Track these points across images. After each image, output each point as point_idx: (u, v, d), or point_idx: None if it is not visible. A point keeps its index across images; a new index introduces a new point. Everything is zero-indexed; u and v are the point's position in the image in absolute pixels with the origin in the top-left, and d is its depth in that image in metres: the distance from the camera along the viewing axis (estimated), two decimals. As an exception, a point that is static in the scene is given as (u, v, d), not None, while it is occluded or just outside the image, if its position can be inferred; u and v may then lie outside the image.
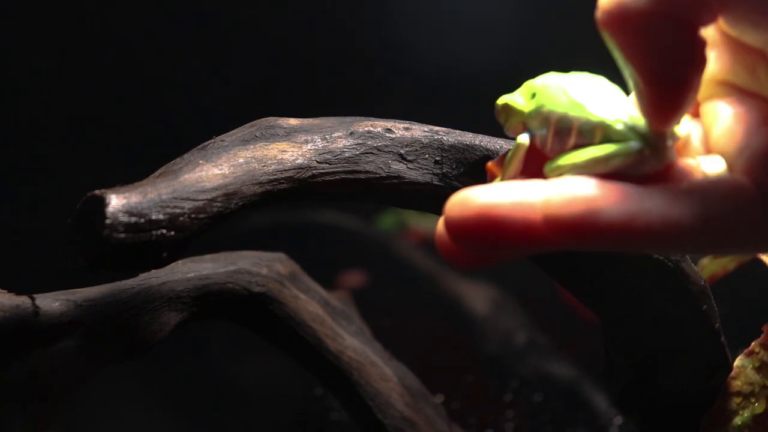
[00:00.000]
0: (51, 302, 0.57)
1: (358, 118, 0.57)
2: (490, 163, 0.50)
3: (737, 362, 0.59)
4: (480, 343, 1.07)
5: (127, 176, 0.50)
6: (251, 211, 0.52)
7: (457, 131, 0.56)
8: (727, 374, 0.59)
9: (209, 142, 0.54)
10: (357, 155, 0.54)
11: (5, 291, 0.56)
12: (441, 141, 0.55)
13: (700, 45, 0.37)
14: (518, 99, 0.49)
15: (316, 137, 0.55)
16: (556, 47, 1.07)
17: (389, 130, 0.56)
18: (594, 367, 0.95)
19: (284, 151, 0.53)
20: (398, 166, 0.55)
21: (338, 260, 1.15)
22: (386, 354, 0.70)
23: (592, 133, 0.42)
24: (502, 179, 0.47)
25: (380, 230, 1.20)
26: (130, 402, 0.87)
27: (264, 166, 0.52)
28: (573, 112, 0.44)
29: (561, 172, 0.42)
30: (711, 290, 0.57)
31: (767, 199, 0.36)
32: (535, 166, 0.45)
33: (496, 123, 0.52)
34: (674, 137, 0.41)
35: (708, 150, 0.42)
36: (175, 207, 0.48)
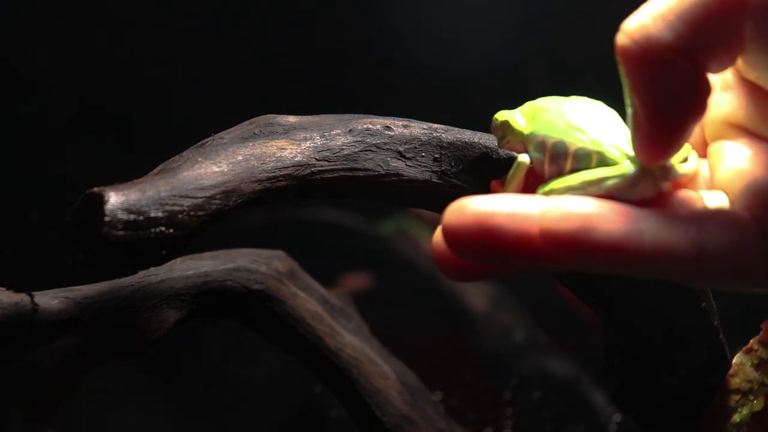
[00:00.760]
0: (50, 300, 0.57)
1: (356, 115, 0.57)
2: (494, 182, 0.50)
3: (736, 359, 0.59)
4: (479, 340, 1.07)
5: (126, 174, 0.50)
6: (250, 209, 0.53)
7: (456, 129, 0.56)
8: (726, 371, 0.59)
9: (208, 139, 0.54)
10: (356, 153, 0.54)
11: (4, 288, 0.56)
12: (440, 138, 0.55)
13: (705, 92, 0.37)
14: (519, 119, 0.49)
15: (314, 135, 0.55)
16: (554, 47, 1.07)
17: (388, 128, 0.56)
18: (593, 364, 0.95)
19: (283, 148, 0.53)
20: (397, 164, 0.55)
21: (337, 258, 1.15)
22: (385, 351, 0.70)
23: (588, 158, 0.43)
24: None
25: (379, 228, 1.20)
26: (129, 399, 0.87)
27: (263, 163, 0.52)
28: (569, 138, 0.44)
29: (555, 194, 0.42)
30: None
31: (767, 236, 0.36)
32: (535, 186, 0.45)
33: (494, 121, 0.52)
34: (671, 166, 0.41)
35: (712, 188, 0.42)
36: (174, 204, 0.48)
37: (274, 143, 0.54)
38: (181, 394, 0.92)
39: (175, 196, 0.48)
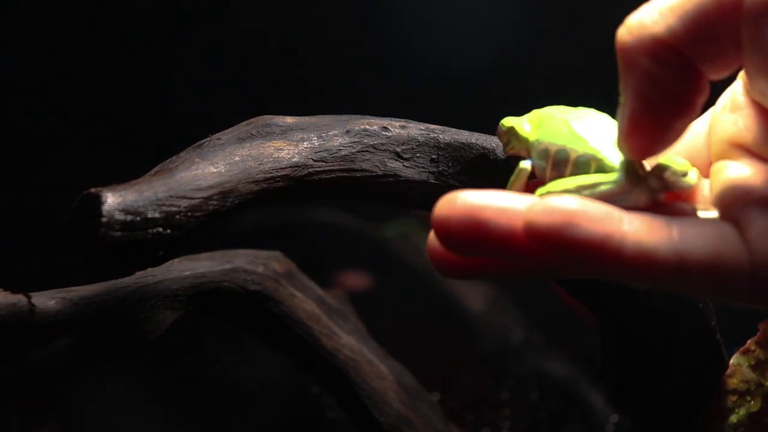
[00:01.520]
0: (47, 301, 0.57)
1: (354, 116, 0.57)
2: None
3: (733, 360, 0.59)
4: (476, 341, 1.07)
5: (123, 174, 0.50)
6: (247, 210, 0.52)
7: (454, 129, 0.56)
8: (723, 372, 0.59)
9: (205, 140, 0.54)
10: (353, 153, 0.54)
11: (1, 289, 0.56)
12: (437, 139, 0.55)
13: (696, 92, 0.38)
14: (525, 125, 0.50)
15: (312, 135, 0.55)
16: (554, 47, 1.07)
17: (385, 129, 0.56)
18: (590, 365, 0.95)
19: (280, 149, 0.53)
20: (394, 165, 0.55)
21: (334, 259, 1.15)
22: (382, 352, 0.70)
23: (587, 164, 0.43)
24: None
25: (377, 229, 1.20)
26: (126, 400, 0.87)
27: (260, 164, 0.52)
28: (571, 145, 0.45)
29: (550, 195, 0.42)
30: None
31: (752, 253, 0.35)
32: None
33: (492, 122, 0.53)
34: (667, 177, 0.41)
35: (709, 205, 0.42)
36: (171, 205, 0.48)
37: (271, 144, 0.54)
38: (177, 394, 0.92)
39: (172, 196, 0.48)
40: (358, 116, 0.57)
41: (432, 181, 0.55)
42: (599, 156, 0.43)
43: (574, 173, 0.44)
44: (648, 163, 0.42)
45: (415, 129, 0.56)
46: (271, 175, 0.52)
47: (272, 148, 0.53)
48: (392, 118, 0.57)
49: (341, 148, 0.54)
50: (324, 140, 0.54)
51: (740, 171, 0.40)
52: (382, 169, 0.54)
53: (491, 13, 1.10)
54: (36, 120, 1.05)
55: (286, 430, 0.93)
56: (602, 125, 0.45)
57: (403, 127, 0.56)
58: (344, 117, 0.57)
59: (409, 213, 1.17)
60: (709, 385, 0.59)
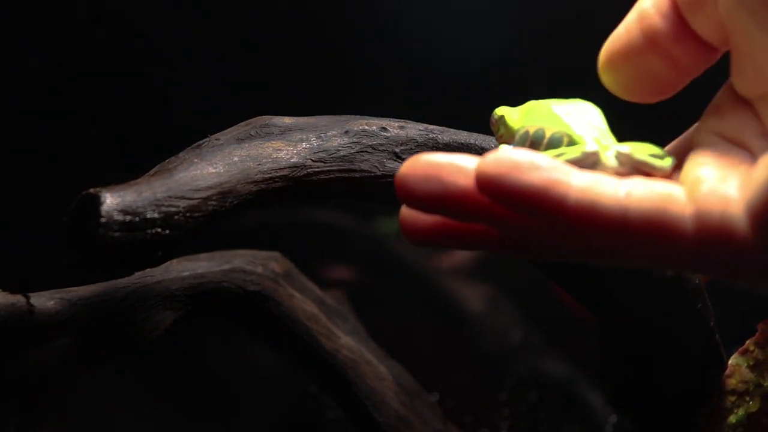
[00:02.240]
0: (46, 301, 0.57)
1: (352, 116, 0.57)
2: None
3: (732, 360, 0.59)
4: (475, 341, 1.07)
5: (122, 175, 0.50)
6: (246, 210, 0.53)
7: (452, 130, 0.56)
8: (722, 372, 0.59)
9: (204, 140, 0.54)
10: (352, 154, 0.54)
11: (0, 290, 0.56)
12: (436, 139, 0.55)
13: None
14: (514, 115, 0.50)
15: (311, 136, 0.55)
16: (552, 47, 1.07)
17: (384, 129, 0.56)
18: (589, 365, 0.95)
19: (279, 149, 0.53)
20: (393, 165, 0.55)
21: (333, 259, 1.15)
22: (381, 352, 0.70)
23: (560, 141, 0.44)
24: None
25: (376, 229, 1.20)
26: (125, 401, 0.87)
27: (259, 164, 0.52)
28: (547, 124, 0.45)
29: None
30: (705, 288, 0.57)
31: (698, 211, 0.35)
32: None
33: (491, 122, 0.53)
34: (635, 152, 0.41)
35: None
36: (170, 205, 0.48)
37: (270, 144, 0.54)
38: (177, 394, 0.92)
39: (171, 197, 0.48)
40: (357, 116, 0.57)
41: (431, 181, 0.55)
42: (570, 131, 0.43)
43: (547, 149, 0.44)
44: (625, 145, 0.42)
45: (414, 129, 0.56)
46: (269, 175, 0.52)
47: (271, 149, 0.53)
48: (391, 119, 0.57)
49: (340, 148, 0.54)
50: (323, 140, 0.54)
51: (707, 151, 0.40)
52: (380, 169, 0.54)
53: (491, 12, 1.10)
54: (35, 120, 1.05)
55: (285, 430, 0.93)
56: (585, 110, 0.46)
57: (401, 127, 0.56)
58: (343, 117, 0.57)
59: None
60: (708, 385, 0.59)
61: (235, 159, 0.52)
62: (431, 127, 0.56)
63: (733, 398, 0.58)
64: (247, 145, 0.53)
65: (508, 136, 0.51)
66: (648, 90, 0.44)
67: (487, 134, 0.55)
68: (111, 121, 1.08)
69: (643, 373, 0.59)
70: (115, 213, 0.46)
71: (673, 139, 0.46)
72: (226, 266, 0.64)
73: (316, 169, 0.54)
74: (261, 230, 1.08)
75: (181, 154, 0.53)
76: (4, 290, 0.56)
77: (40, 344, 0.56)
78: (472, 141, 0.55)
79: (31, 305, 0.56)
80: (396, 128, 0.56)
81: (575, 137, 0.43)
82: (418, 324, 1.10)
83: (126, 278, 0.59)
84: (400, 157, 0.55)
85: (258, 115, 0.57)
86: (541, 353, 1.05)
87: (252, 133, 0.55)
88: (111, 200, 0.47)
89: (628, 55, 0.43)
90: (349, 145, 0.55)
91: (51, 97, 1.05)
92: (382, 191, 0.55)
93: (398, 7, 1.12)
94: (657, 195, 0.35)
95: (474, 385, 1.02)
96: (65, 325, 0.57)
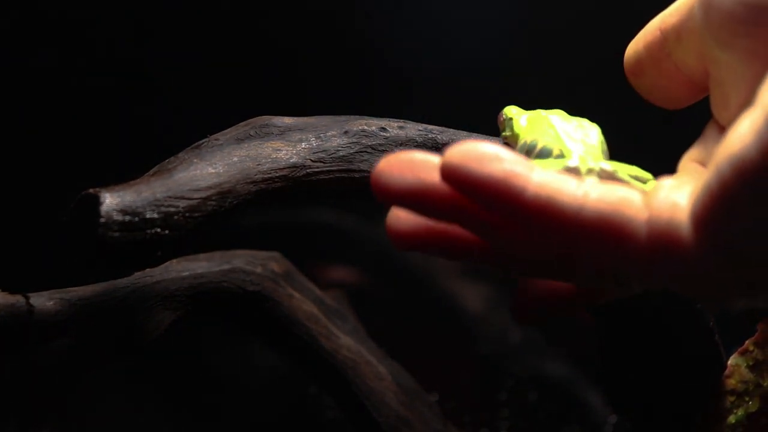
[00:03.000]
0: (45, 301, 0.57)
1: (352, 116, 0.57)
2: None
3: (731, 361, 0.59)
4: (475, 342, 1.07)
5: (122, 175, 0.50)
6: (246, 210, 0.53)
7: (452, 130, 0.56)
8: (722, 373, 0.59)
9: (203, 140, 0.54)
10: (351, 154, 0.54)
11: (-1, 290, 0.56)
12: (435, 140, 0.55)
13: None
14: (522, 120, 0.51)
15: (310, 136, 0.55)
16: (553, 46, 1.07)
17: (383, 129, 0.56)
18: (589, 366, 0.95)
19: (278, 149, 0.53)
20: (393, 165, 0.55)
21: (333, 259, 1.15)
22: (381, 353, 0.70)
23: (549, 153, 0.45)
24: None
25: (376, 229, 1.20)
26: (124, 401, 0.87)
27: (258, 164, 0.52)
28: (540, 137, 0.47)
29: None
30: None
31: (651, 217, 0.35)
32: None
33: (490, 122, 0.53)
34: (617, 170, 0.42)
35: None
36: (170, 206, 0.48)
37: (269, 144, 0.54)
38: (175, 394, 0.92)
39: (170, 197, 0.48)
40: (357, 117, 0.57)
41: (430, 181, 0.55)
42: (562, 145, 0.44)
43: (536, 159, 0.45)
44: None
45: (414, 129, 0.56)
46: (269, 175, 0.52)
47: (270, 149, 0.53)
48: (390, 119, 0.57)
49: (339, 148, 0.54)
50: (322, 141, 0.55)
51: (682, 172, 0.41)
52: (380, 169, 0.54)
53: (491, 12, 1.10)
54: (34, 120, 1.05)
55: (285, 430, 0.93)
56: (583, 128, 0.47)
57: (401, 127, 0.56)
58: (342, 117, 0.57)
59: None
60: (708, 385, 0.59)
61: (235, 159, 0.52)
62: (431, 127, 0.56)
63: (732, 398, 0.58)
64: (246, 145, 0.53)
65: (512, 140, 0.51)
66: (663, 97, 0.45)
67: (487, 134, 0.55)
68: (111, 121, 1.08)
69: (643, 374, 0.59)
70: (115, 213, 0.46)
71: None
72: (226, 266, 0.64)
73: (316, 170, 0.54)
74: (261, 230, 1.08)
75: (180, 154, 0.53)
76: (4, 290, 0.56)
77: (40, 344, 0.56)
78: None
79: (31, 305, 0.56)
80: (395, 128, 0.56)
81: (564, 151, 0.44)
82: (418, 324, 1.10)
83: (126, 278, 0.59)
84: (399, 157, 0.55)
85: (258, 115, 0.57)
86: (540, 353, 1.05)
87: (251, 133, 0.55)
88: (110, 200, 0.47)
89: (646, 61, 0.44)
90: (348, 145, 0.55)
91: (51, 97, 1.05)
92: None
93: (398, 6, 1.12)
94: (615, 197, 0.36)
95: (474, 385, 1.02)
96: (65, 325, 0.57)
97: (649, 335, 0.58)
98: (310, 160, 0.54)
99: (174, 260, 0.62)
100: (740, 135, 0.31)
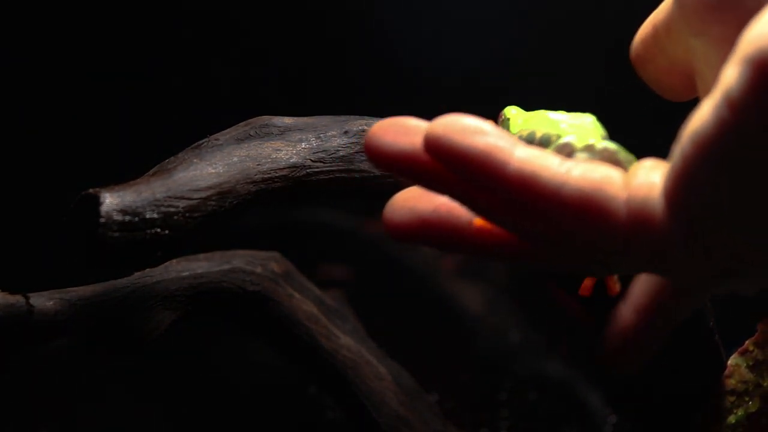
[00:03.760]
0: (45, 301, 0.57)
1: (352, 116, 0.57)
2: None
3: (731, 361, 0.59)
4: (474, 341, 1.07)
5: (122, 175, 0.50)
6: (246, 210, 0.53)
7: (452, 130, 0.56)
8: (722, 373, 0.59)
9: (203, 140, 0.54)
10: (351, 154, 0.54)
11: (-1, 290, 0.56)
12: (435, 140, 0.55)
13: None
14: (518, 120, 0.51)
15: (310, 136, 0.55)
16: (553, 46, 1.07)
17: (384, 129, 0.56)
18: (588, 366, 0.94)
19: (278, 149, 0.53)
20: (393, 165, 0.55)
21: (333, 259, 1.15)
22: (381, 353, 0.70)
23: (548, 142, 0.45)
24: None
25: (376, 229, 1.20)
26: (124, 401, 0.87)
27: (258, 164, 0.52)
28: (538, 128, 0.47)
29: None
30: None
31: (630, 197, 0.35)
32: None
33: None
34: (613, 152, 0.42)
35: None
36: (170, 206, 0.48)
37: (269, 144, 0.54)
38: (175, 394, 0.92)
39: (170, 197, 0.48)
40: (357, 117, 0.57)
41: (430, 181, 0.55)
42: (559, 131, 0.45)
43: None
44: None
45: (414, 129, 0.56)
46: (269, 175, 0.52)
47: (270, 149, 0.53)
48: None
49: (339, 148, 0.54)
50: (322, 141, 0.55)
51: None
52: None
53: (491, 12, 1.10)
54: (34, 120, 1.05)
55: (285, 430, 0.93)
56: (582, 118, 0.47)
57: (401, 127, 0.56)
58: (342, 117, 0.57)
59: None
60: (708, 385, 0.59)
61: (235, 159, 0.52)
62: (431, 127, 0.56)
63: (732, 398, 0.58)
64: (246, 145, 0.53)
65: None
66: (666, 90, 0.45)
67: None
68: (111, 121, 1.08)
69: (643, 374, 0.59)
70: (115, 213, 0.46)
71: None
72: (226, 266, 0.64)
73: (316, 170, 0.54)
74: (260, 230, 1.08)
75: (180, 154, 0.53)
76: (4, 290, 0.56)
77: (40, 344, 0.56)
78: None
79: (31, 305, 0.56)
80: (395, 128, 0.56)
81: (562, 134, 0.44)
82: (418, 324, 1.10)
83: (126, 278, 0.59)
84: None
85: (258, 115, 0.57)
86: (540, 353, 1.05)
87: (251, 133, 0.55)
88: (110, 200, 0.47)
89: (645, 57, 0.44)
90: (348, 145, 0.55)
91: (51, 97, 1.05)
92: (382, 191, 0.55)
93: (399, 6, 1.12)
94: (596, 175, 0.36)
95: (474, 385, 1.02)
96: (65, 325, 0.57)
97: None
98: (310, 160, 0.54)
99: (174, 260, 0.62)
100: (700, 113, 0.32)
